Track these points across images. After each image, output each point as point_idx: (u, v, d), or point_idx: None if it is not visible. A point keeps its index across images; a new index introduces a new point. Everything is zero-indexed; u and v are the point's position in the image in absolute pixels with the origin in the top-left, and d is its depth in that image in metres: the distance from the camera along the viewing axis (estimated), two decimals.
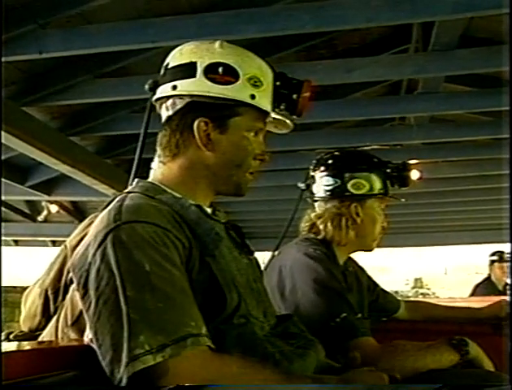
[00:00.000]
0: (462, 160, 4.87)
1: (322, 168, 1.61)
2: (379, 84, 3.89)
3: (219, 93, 0.97)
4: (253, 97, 0.98)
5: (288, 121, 1.06)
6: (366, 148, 4.37)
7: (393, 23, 2.80)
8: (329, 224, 1.55)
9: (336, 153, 1.65)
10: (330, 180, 1.58)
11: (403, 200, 1.65)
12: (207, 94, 0.97)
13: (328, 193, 1.58)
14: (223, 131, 0.99)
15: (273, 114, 1.03)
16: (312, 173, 1.64)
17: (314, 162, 1.66)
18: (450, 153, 4.66)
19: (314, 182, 1.63)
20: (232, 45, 1.02)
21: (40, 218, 6.48)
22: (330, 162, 1.61)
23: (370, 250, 1.63)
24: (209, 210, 1.03)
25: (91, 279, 0.84)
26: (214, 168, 1.01)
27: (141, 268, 0.82)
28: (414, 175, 4.82)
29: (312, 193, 1.64)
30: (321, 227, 1.57)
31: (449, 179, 5.30)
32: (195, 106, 0.99)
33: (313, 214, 1.61)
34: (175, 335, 0.78)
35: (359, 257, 1.70)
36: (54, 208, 6.23)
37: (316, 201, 1.63)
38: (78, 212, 6.49)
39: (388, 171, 1.60)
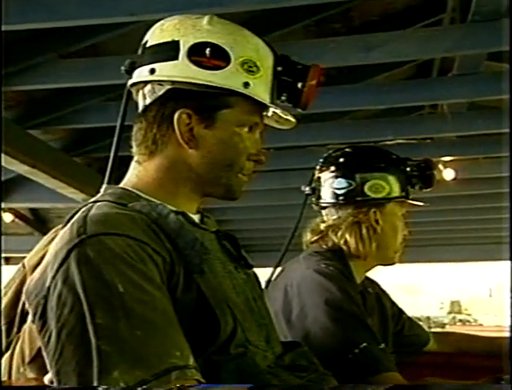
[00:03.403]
0: (507, 156, 4.88)
1: (331, 168, 1.62)
2: (406, 64, 3.91)
3: (204, 79, 0.97)
4: (246, 85, 0.99)
5: (289, 116, 1.06)
6: (389, 142, 4.39)
7: None
8: (347, 235, 1.57)
9: (348, 149, 1.67)
10: (342, 182, 1.59)
11: (421, 204, 1.66)
12: (191, 81, 0.97)
13: (341, 198, 1.59)
14: (209, 125, 1.00)
15: (272, 108, 1.04)
16: (319, 174, 1.65)
17: (321, 160, 1.67)
18: (492, 148, 4.67)
19: (321, 185, 1.64)
20: (224, 21, 1.03)
21: None
22: (341, 160, 1.62)
23: (392, 264, 1.65)
24: (195, 218, 1.04)
25: (51, 307, 0.84)
26: (199, 169, 1.02)
27: (113, 289, 0.82)
28: (448, 174, 4.85)
29: (319, 198, 1.65)
30: (334, 238, 1.58)
31: (490, 179, 5.32)
32: (176, 95, 0.99)
33: (322, 224, 1.62)
34: (156, 368, 0.79)
35: (380, 274, 1.71)
36: (8, 217, 6.24)
37: (325, 207, 1.64)
38: (39, 222, 6.51)
39: (408, 169, 1.62)
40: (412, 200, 1.63)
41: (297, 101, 1.04)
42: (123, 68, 1.06)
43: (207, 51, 0.98)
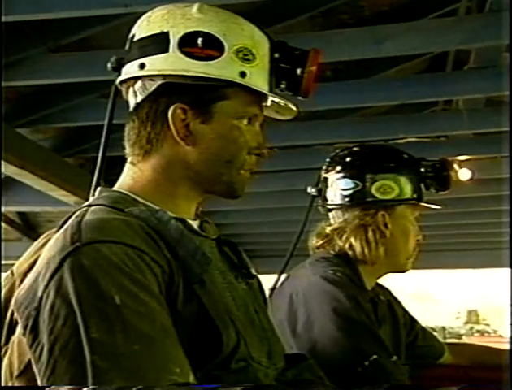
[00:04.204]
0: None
1: (338, 168, 1.63)
2: (418, 58, 3.91)
3: (198, 71, 0.98)
4: (243, 74, 0.99)
5: (290, 104, 1.06)
6: (400, 141, 4.39)
7: None
8: (352, 239, 1.57)
9: (356, 148, 1.67)
10: (349, 183, 1.59)
11: (435, 207, 1.66)
12: (184, 73, 0.98)
13: (347, 199, 1.60)
14: (205, 119, 1.00)
15: (271, 97, 1.04)
16: (325, 175, 1.66)
17: (328, 160, 1.67)
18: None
19: (327, 186, 1.65)
20: (215, 9, 1.03)
21: None
22: (348, 159, 1.63)
23: (404, 271, 1.65)
24: (195, 225, 1.04)
25: (43, 319, 0.83)
26: (197, 167, 1.02)
27: (110, 301, 0.82)
28: (464, 175, 4.85)
29: (325, 200, 1.66)
30: (340, 242, 1.59)
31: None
32: (169, 89, 0.99)
33: (328, 228, 1.63)
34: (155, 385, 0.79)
35: (391, 280, 1.71)
36: None
37: (331, 209, 1.65)
38: (28, 227, 6.51)
39: (422, 170, 1.62)
40: (425, 202, 1.63)
41: (296, 88, 1.04)
42: (109, 65, 1.06)
43: (199, 41, 0.98)
